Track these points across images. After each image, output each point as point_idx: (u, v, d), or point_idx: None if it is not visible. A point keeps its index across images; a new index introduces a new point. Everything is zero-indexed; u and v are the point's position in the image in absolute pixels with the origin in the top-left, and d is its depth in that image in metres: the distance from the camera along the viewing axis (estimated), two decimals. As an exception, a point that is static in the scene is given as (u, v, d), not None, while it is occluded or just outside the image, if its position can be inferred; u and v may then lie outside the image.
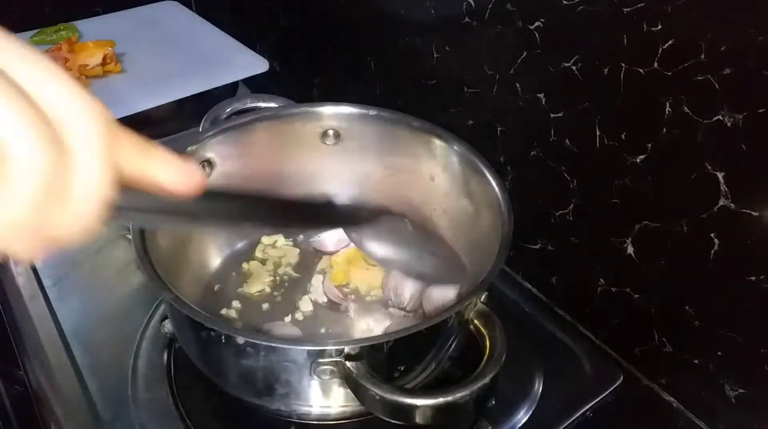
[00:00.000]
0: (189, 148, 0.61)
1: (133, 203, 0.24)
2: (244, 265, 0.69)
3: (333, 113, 0.67)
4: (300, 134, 0.68)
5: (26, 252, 0.23)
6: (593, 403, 0.59)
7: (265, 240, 0.71)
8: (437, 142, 0.64)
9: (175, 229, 0.30)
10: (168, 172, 0.25)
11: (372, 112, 0.66)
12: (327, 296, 0.65)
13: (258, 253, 0.70)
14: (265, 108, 0.69)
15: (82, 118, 0.22)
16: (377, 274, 0.67)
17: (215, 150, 0.64)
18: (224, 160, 0.65)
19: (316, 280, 0.67)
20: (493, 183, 0.58)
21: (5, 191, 0.20)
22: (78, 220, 0.23)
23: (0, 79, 0.20)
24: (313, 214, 0.44)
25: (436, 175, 0.66)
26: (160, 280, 0.48)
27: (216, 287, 0.66)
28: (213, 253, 0.69)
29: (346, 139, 0.68)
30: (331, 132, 0.68)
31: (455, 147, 0.62)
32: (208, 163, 0.64)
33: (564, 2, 0.54)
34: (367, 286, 0.66)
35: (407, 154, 0.67)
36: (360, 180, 0.71)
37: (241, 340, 0.46)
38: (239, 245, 0.70)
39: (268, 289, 0.66)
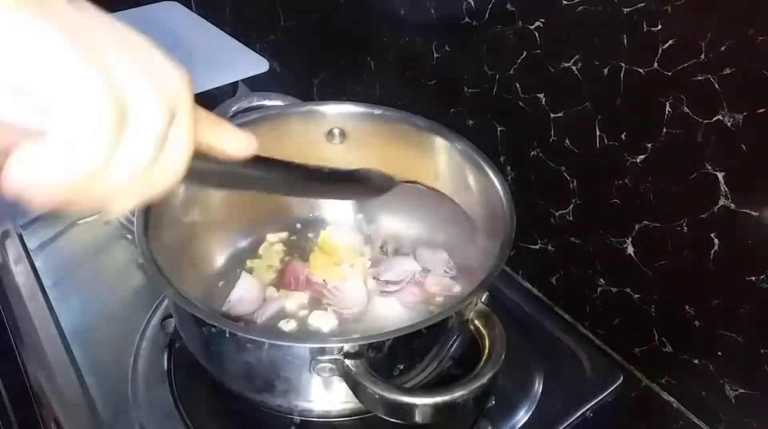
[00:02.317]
0: None
1: (199, 166, 0.28)
2: (248, 263, 0.68)
3: (338, 112, 0.67)
4: (305, 133, 0.68)
5: (123, 206, 0.26)
6: (593, 403, 0.59)
7: (270, 237, 0.71)
8: (442, 142, 0.64)
9: (226, 188, 0.37)
10: (232, 141, 0.31)
11: (377, 111, 0.66)
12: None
13: (262, 251, 0.70)
14: (271, 107, 0.69)
15: (180, 88, 0.26)
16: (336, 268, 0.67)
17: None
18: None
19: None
20: (497, 183, 0.58)
21: (127, 147, 0.24)
22: (168, 175, 0.26)
23: (134, 54, 0.24)
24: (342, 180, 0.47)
25: (440, 174, 0.66)
26: (162, 276, 0.48)
27: (220, 283, 0.66)
28: (217, 251, 0.68)
29: (351, 138, 0.68)
30: (336, 131, 0.68)
31: (459, 146, 0.62)
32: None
33: (564, 2, 0.54)
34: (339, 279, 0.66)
35: (412, 154, 0.67)
36: (365, 179, 0.71)
37: (241, 336, 0.46)
38: (243, 244, 0.70)
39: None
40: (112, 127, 0.23)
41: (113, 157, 0.23)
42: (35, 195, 0.23)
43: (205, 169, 0.30)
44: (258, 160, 0.33)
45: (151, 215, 0.54)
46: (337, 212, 0.73)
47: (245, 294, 0.63)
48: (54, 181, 0.23)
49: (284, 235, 0.72)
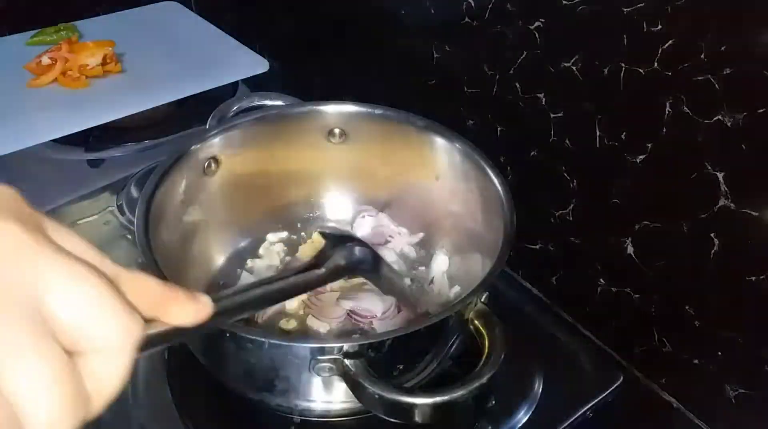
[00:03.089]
0: (193, 147, 0.62)
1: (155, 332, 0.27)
2: (248, 263, 0.68)
3: (339, 112, 0.67)
4: (306, 132, 0.68)
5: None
6: (593, 403, 0.59)
7: (270, 237, 0.71)
8: (442, 142, 0.64)
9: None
10: (181, 314, 0.27)
11: (378, 111, 0.66)
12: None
13: (262, 251, 0.70)
14: (272, 106, 0.69)
15: (106, 335, 0.24)
16: None
17: (222, 147, 0.64)
18: (230, 157, 0.65)
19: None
20: (497, 183, 0.58)
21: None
22: (112, 391, 0.25)
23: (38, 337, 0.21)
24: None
25: (441, 174, 0.66)
26: (161, 274, 0.48)
27: (220, 283, 0.66)
28: (218, 251, 0.68)
29: (352, 137, 0.68)
30: (337, 130, 0.68)
31: (460, 147, 0.62)
32: (214, 161, 0.64)
33: (564, 2, 0.54)
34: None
35: (413, 154, 0.67)
36: (365, 179, 0.71)
37: (241, 336, 0.46)
38: (244, 243, 0.70)
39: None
40: None
41: None
42: None
43: (161, 336, 0.27)
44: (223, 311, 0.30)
45: (151, 215, 0.54)
46: (337, 212, 0.73)
47: None
48: None
49: (284, 235, 0.72)
